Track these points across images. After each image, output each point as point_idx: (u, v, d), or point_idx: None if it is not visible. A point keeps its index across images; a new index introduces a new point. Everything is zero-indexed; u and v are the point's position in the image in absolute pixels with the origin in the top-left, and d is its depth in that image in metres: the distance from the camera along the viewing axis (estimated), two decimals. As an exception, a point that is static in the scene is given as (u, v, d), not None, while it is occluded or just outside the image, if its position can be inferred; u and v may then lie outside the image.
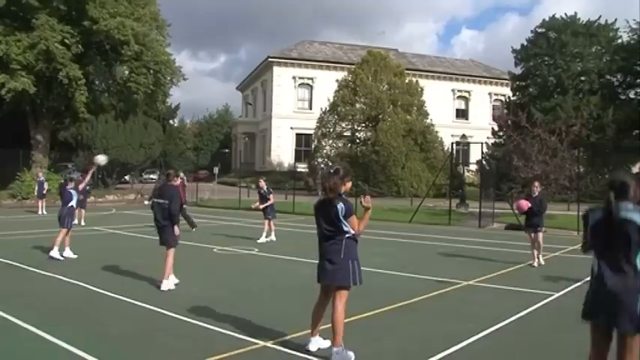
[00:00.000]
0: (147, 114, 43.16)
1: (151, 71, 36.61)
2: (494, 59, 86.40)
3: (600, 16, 40.62)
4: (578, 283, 9.51)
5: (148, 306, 7.61)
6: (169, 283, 8.93)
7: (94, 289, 8.68)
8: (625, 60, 37.05)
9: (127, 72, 36.75)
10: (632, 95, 39.17)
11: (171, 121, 69.26)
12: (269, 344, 6.00)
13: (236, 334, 6.31)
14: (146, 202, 16.49)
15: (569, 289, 9.25)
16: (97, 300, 8.08)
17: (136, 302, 7.81)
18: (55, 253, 11.55)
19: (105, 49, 36.74)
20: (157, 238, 9.35)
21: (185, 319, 6.98)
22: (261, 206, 15.80)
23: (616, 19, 40.40)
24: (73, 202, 12.07)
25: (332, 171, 5.56)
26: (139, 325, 6.81)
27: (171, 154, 65.71)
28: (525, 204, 11.94)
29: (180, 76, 39.79)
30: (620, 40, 39.33)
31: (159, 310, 7.41)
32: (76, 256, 11.74)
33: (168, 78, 38.68)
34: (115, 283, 9.08)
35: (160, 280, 9.04)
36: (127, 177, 43.77)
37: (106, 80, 40.37)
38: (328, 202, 5.48)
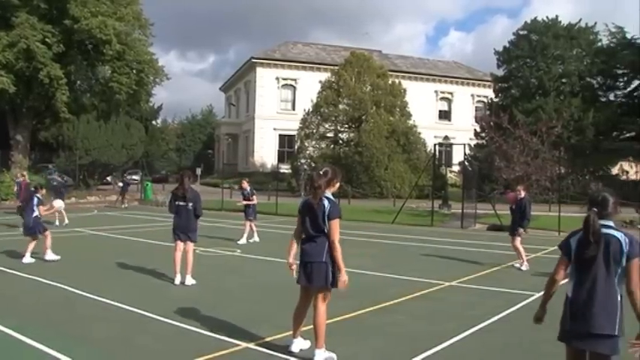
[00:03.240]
0: (129, 114, 42.86)
1: (134, 71, 36.42)
2: (483, 61, 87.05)
3: (581, 19, 41.10)
4: (559, 284, 9.56)
5: (128, 307, 7.56)
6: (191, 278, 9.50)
7: (74, 290, 8.60)
8: (605, 63, 37.49)
9: (109, 72, 36.53)
10: (611, 98, 39.65)
11: (154, 122, 68.88)
12: (251, 345, 5.98)
13: (218, 336, 6.29)
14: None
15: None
16: (77, 302, 8.00)
17: (117, 304, 7.75)
18: (49, 255, 11.50)
19: (87, 49, 36.51)
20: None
21: (166, 320, 6.94)
22: (245, 202, 15.82)
23: (596, 23, 40.89)
24: (37, 212, 11.91)
25: (321, 172, 5.54)
26: (119, 326, 6.75)
27: (153, 155, 65.30)
28: (513, 196, 12.20)
29: (164, 75, 39.65)
30: (600, 43, 39.76)
31: (140, 311, 7.36)
32: (32, 261, 11.38)
33: (151, 78, 38.50)
34: (96, 285, 9.00)
35: (171, 278, 9.47)
36: (108, 178, 43.47)
37: (87, 80, 40.14)
38: (314, 202, 5.46)
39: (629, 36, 37.25)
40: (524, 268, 11.56)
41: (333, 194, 5.61)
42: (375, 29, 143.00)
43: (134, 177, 42.28)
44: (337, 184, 5.65)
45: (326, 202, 5.43)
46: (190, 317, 7.07)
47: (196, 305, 7.71)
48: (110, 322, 6.95)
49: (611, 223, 3.91)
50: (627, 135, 37.36)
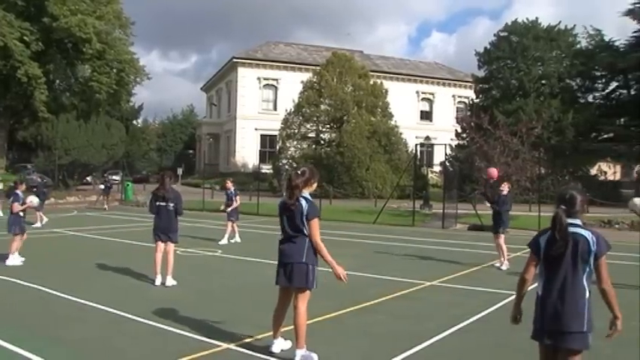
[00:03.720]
0: (109, 114, 42.60)
1: (114, 70, 36.21)
2: (465, 62, 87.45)
3: (560, 22, 41.38)
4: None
5: (107, 308, 7.45)
6: (172, 279, 9.40)
7: (50, 291, 8.47)
8: (583, 65, 37.82)
9: (89, 71, 36.23)
10: (590, 99, 40.03)
11: (134, 122, 68.43)
12: (232, 346, 5.93)
13: (198, 337, 6.23)
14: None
15: (529, 289, 9.32)
16: (52, 302, 7.88)
17: (95, 304, 7.65)
18: (10, 260, 11.18)
19: (66, 47, 36.21)
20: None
21: (146, 321, 6.86)
22: (229, 209, 15.67)
23: (575, 25, 41.20)
24: (19, 207, 11.65)
25: (299, 172, 5.54)
26: (96, 328, 6.65)
27: (134, 155, 64.92)
28: (494, 171, 12.23)
29: (145, 75, 39.46)
30: (579, 46, 40.12)
31: (118, 312, 7.26)
32: (23, 259, 11.25)
33: (132, 77, 38.27)
34: (73, 285, 8.89)
35: (150, 278, 9.39)
36: (88, 178, 43.10)
37: (67, 79, 39.78)
38: (291, 202, 5.44)
39: (606, 38, 37.67)
40: (504, 267, 11.62)
41: (312, 194, 5.61)
42: (357, 30, 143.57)
43: (115, 177, 41.98)
44: (315, 184, 5.64)
45: (304, 202, 5.42)
46: (171, 318, 6.99)
47: (177, 306, 7.63)
48: (87, 322, 6.84)
49: (578, 222, 3.93)
50: (605, 136, 37.71)
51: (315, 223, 5.43)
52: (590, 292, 3.85)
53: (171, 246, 9.56)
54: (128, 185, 34.52)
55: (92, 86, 35.34)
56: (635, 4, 34.54)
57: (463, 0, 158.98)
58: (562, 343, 3.84)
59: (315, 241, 5.40)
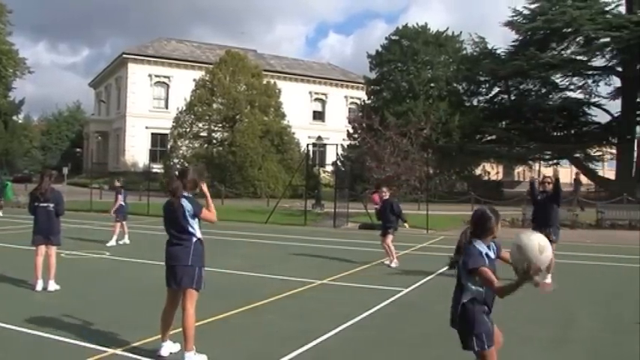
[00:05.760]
0: (-15, 109, 40.17)
1: (-11, 61, 34.11)
2: (363, 64, 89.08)
3: (448, 28, 43.14)
4: (426, 279, 9.99)
5: (-20, 317, 6.97)
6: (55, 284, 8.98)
7: None
8: (469, 70, 39.56)
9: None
10: (475, 103, 41.95)
11: (14, 117, 64.85)
12: (118, 351, 5.73)
13: (83, 343, 5.97)
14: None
15: (417, 284, 9.65)
16: None
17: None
18: None
19: None
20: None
21: (25, 330, 6.48)
22: (113, 210, 15.22)
23: (461, 32, 43.06)
24: None
25: (177, 174, 5.63)
26: (-31, 337, 6.22)
27: (14, 153, 61.46)
28: (376, 198, 12.57)
29: (26, 68, 37.45)
30: (465, 52, 41.93)
31: (-6, 321, 6.82)
32: None
33: (11, 70, 36.21)
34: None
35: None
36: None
37: None
38: (173, 203, 5.47)
39: (490, 46, 39.62)
40: (393, 265, 11.92)
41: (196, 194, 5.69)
42: (256, 29, 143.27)
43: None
44: (201, 184, 5.71)
45: (185, 202, 5.47)
46: (53, 325, 6.64)
47: (60, 312, 7.27)
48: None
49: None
50: (489, 138, 39.75)
51: (204, 213, 5.55)
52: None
53: (52, 248, 9.13)
54: (7, 185, 32.62)
55: (-38, 77, 33.20)
56: (513, 16, 36.58)
57: (361, 2, 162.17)
58: None
59: (209, 215, 5.60)
